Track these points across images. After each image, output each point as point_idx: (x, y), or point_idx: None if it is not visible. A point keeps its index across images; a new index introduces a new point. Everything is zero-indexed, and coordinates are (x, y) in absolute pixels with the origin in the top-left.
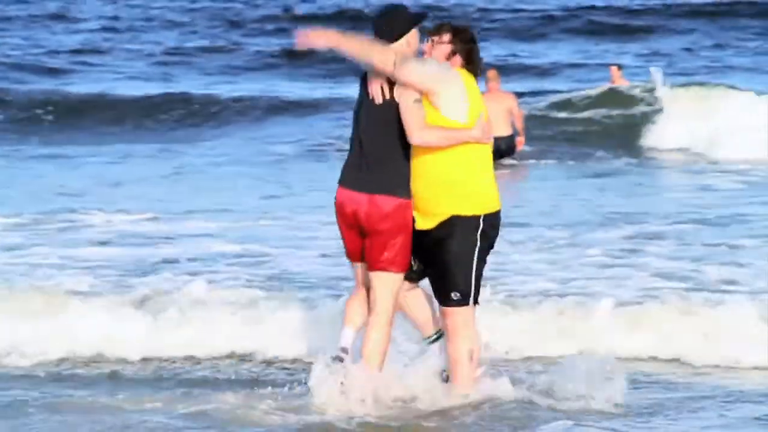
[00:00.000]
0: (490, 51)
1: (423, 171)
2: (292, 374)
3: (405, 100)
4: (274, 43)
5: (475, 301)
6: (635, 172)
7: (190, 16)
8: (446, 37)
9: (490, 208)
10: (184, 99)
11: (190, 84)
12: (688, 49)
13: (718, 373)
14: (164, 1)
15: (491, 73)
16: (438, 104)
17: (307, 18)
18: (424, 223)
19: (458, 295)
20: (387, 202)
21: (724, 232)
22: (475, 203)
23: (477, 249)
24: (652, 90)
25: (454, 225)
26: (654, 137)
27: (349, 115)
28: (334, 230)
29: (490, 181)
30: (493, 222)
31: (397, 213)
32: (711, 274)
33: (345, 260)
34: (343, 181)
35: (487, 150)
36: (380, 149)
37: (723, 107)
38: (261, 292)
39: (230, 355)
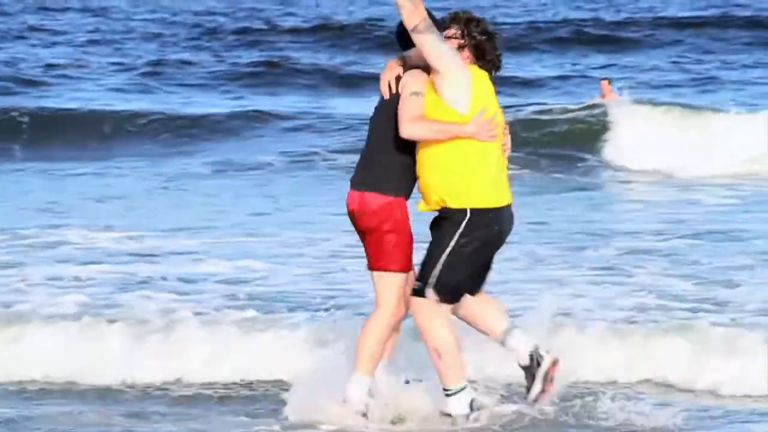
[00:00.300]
0: None
1: (424, 157)
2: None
3: (403, 91)
4: (256, 56)
5: (443, 298)
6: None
7: (171, 29)
8: (452, 30)
9: (481, 204)
10: (165, 113)
11: (171, 97)
12: (674, 62)
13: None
14: (145, 14)
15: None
16: (441, 86)
17: (290, 31)
18: (422, 206)
19: (418, 284)
20: (374, 200)
21: (719, 249)
22: (463, 196)
23: (452, 243)
24: (599, 106)
25: (441, 215)
26: (616, 152)
27: (329, 126)
28: (321, 247)
29: (488, 176)
30: (485, 219)
31: (384, 211)
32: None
33: (330, 278)
34: (350, 181)
35: (491, 147)
36: (377, 145)
37: (680, 126)
38: (242, 313)
39: (211, 383)
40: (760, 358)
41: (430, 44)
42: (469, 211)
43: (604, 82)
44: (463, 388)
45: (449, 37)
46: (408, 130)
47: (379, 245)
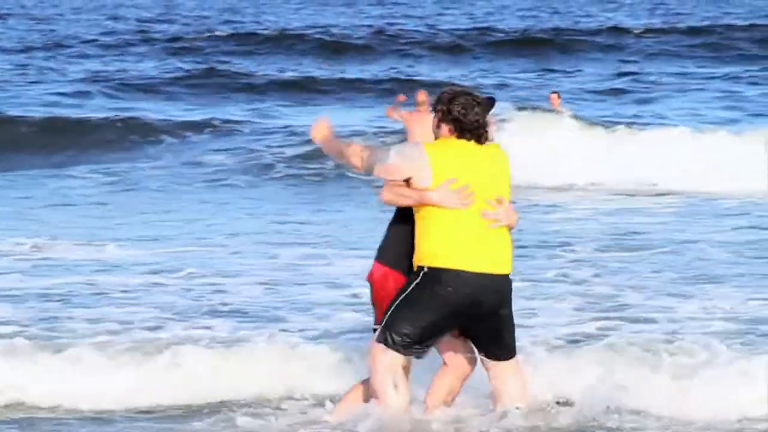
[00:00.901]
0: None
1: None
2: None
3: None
4: (190, 62)
5: (392, 344)
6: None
7: (111, 36)
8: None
9: (436, 263)
10: (106, 120)
11: (111, 104)
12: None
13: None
14: (87, 22)
15: (420, 97)
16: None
17: (226, 37)
18: None
19: (376, 327)
20: (376, 268)
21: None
22: (420, 255)
23: (404, 293)
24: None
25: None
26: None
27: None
28: (277, 259)
29: (448, 237)
30: (439, 276)
31: (380, 280)
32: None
33: (282, 290)
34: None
35: (466, 214)
36: (394, 214)
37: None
38: (184, 332)
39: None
40: None
41: (381, 171)
42: (426, 267)
43: (553, 96)
44: None
45: (429, 113)
46: (381, 196)
47: (378, 312)
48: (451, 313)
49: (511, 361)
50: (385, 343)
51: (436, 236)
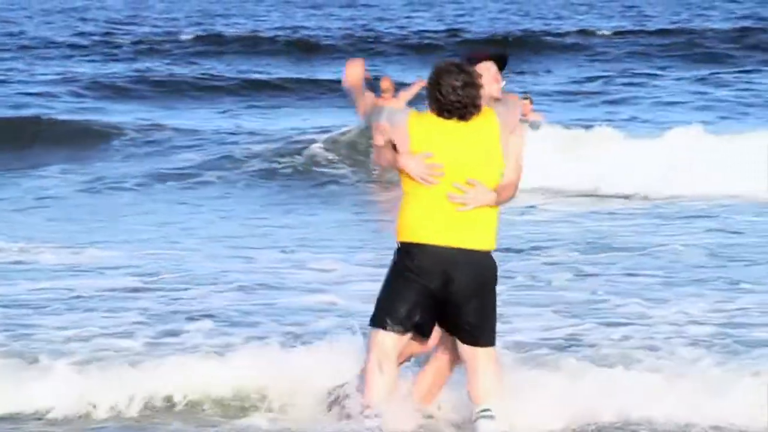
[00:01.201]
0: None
1: None
2: None
3: None
4: (158, 63)
5: (373, 319)
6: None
7: (79, 38)
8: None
9: (407, 238)
10: (74, 122)
11: (80, 105)
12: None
13: None
14: (56, 24)
15: (384, 84)
16: None
17: (194, 39)
18: None
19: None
20: None
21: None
22: (397, 231)
23: (388, 271)
24: None
25: None
26: None
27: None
28: (252, 262)
29: (421, 212)
30: (410, 250)
31: None
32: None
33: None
34: None
35: (434, 190)
36: None
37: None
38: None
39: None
40: None
41: (376, 127)
42: (399, 243)
43: (525, 102)
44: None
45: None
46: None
47: None
48: (424, 289)
49: (486, 351)
50: (371, 322)
51: (410, 212)
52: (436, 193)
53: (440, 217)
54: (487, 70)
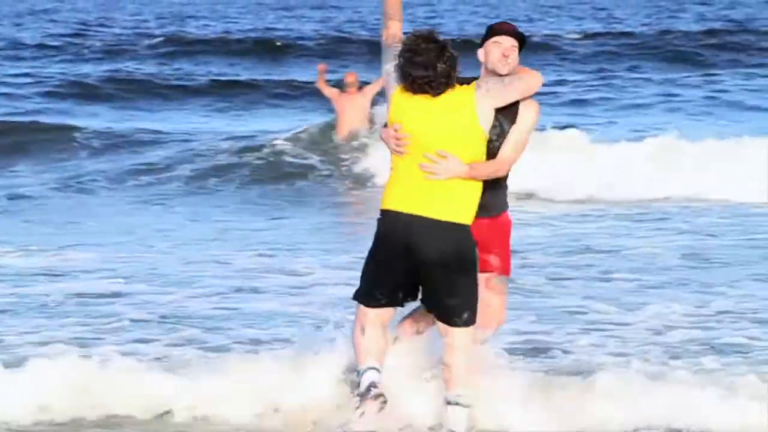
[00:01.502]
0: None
1: None
2: None
3: None
4: (129, 64)
5: (356, 297)
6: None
7: (49, 39)
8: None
9: (382, 206)
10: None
11: (49, 105)
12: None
13: None
14: (25, 25)
15: (349, 78)
16: None
17: (164, 41)
18: None
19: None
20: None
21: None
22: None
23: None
24: None
25: None
26: None
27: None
28: (228, 267)
29: (394, 181)
30: (380, 218)
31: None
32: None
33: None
34: None
35: (405, 159)
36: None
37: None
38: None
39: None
40: None
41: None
42: (381, 210)
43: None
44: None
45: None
46: None
47: None
48: (392, 255)
49: (461, 331)
50: (354, 296)
51: (388, 182)
52: (409, 163)
53: (408, 185)
54: (498, 45)
